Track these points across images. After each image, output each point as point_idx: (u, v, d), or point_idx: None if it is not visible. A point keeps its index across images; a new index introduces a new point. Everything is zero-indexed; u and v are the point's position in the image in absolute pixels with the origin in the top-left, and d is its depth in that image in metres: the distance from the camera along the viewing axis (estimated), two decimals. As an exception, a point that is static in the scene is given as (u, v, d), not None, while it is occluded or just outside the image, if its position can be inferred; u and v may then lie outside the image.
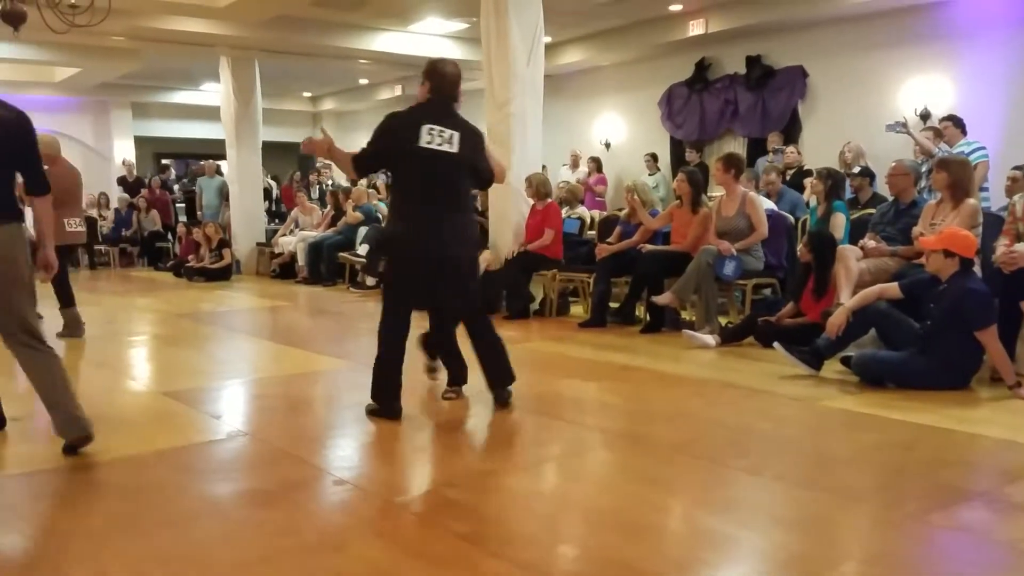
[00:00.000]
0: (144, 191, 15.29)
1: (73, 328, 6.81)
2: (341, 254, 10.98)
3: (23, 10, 7.25)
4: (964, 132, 7.73)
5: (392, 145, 4.09)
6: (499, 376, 4.34)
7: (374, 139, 4.13)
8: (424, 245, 4.06)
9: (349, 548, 2.65)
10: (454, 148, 4.07)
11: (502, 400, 4.31)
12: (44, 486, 3.27)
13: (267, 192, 14.41)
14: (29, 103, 18.12)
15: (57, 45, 11.69)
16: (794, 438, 3.91)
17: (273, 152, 17.11)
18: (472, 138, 4.20)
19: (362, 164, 4.26)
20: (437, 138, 4.03)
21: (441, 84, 4.14)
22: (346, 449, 3.85)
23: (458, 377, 4.57)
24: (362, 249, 10.58)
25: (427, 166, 4.04)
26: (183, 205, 15.57)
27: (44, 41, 11.31)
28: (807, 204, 7.88)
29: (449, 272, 4.15)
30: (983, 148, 7.57)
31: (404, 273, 4.15)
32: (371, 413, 4.17)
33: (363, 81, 16.37)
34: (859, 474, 3.32)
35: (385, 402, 4.14)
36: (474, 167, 4.24)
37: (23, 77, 14.69)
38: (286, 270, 11.97)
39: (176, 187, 16.01)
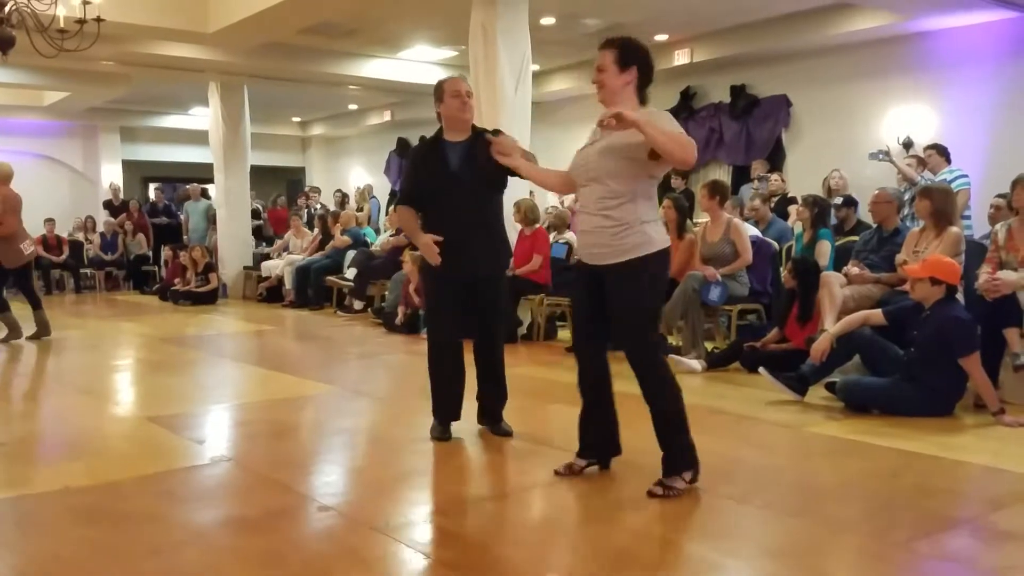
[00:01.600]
0: (123, 215, 15.18)
1: (42, 329, 7.79)
2: (329, 278, 10.97)
3: (12, 34, 7.24)
4: (948, 160, 7.83)
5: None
6: (498, 408, 4.33)
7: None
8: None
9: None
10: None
11: (505, 432, 4.29)
12: (26, 512, 3.23)
13: (255, 213, 14.39)
14: (17, 127, 18.09)
15: (46, 69, 11.68)
16: (781, 466, 3.91)
17: (262, 176, 17.12)
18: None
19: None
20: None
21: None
22: (331, 475, 3.83)
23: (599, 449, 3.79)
24: (350, 273, 10.57)
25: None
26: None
27: (33, 65, 11.29)
28: (792, 231, 7.93)
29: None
30: (965, 176, 7.66)
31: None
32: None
33: (352, 107, 16.43)
34: (846, 502, 3.32)
35: (440, 418, 4.26)
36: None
37: (11, 101, 14.67)
38: (273, 294, 11.93)
39: (161, 208, 15.84)
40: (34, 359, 6.91)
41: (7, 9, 7.20)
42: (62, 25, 7.35)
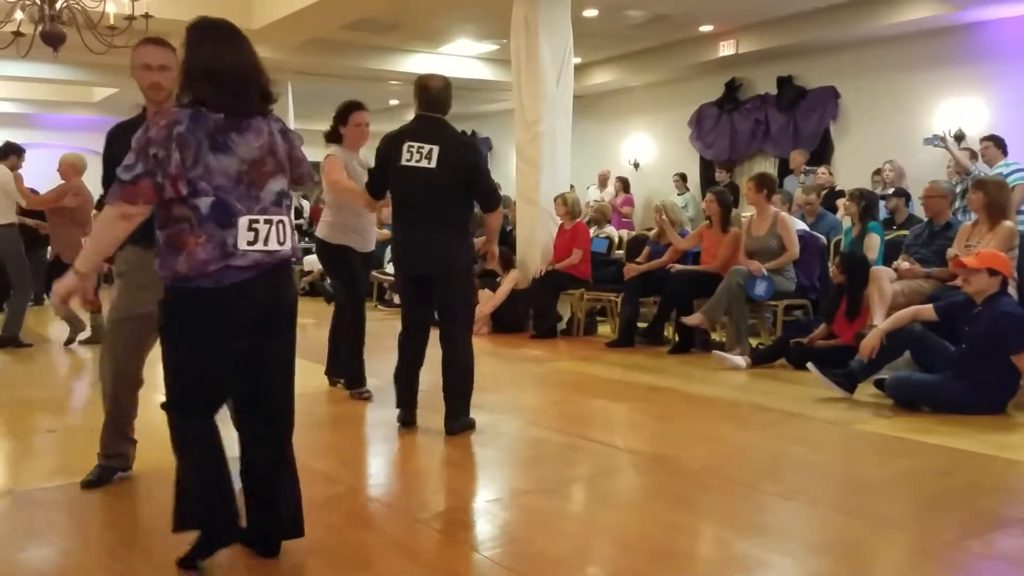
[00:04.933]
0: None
1: (93, 335, 7.15)
2: (371, 272, 11.02)
3: (62, 31, 7.40)
4: (1005, 152, 7.63)
5: (383, 165, 4.25)
6: (454, 407, 4.20)
7: (374, 168, 4.41)
8: (405, 262, 4.27)
9: (375, 566, 2.64)
10: (432, 164, 4.07)
11: (453, 429, 4.15)
12: (77, 498, 3.29)
13: (298, 212, 14.54)
14: (68, 123, 18.46)
15: (95, 65, 11.88)
16: (829, 463, 3.85)
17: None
18: (459, 150, 4.15)
19: (372, 190, 4.47)
20: (416, 155, 4.09)
21: (424, 97, 4.20)
22: (372, 466, 3.85)
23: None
24: (390, 267, 10.62)
25: (404, 183, 4.15)
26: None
27: (83, 62, 11.50)
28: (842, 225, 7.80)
29: (438, 289, 4.19)
30: (1022, 170, 7.46)
31: (403, 289, 4.40)
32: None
33: (393, 102, 16.51)
34: (895, 500, 3.25)
35: (399, 410, 4.33)
36: (464, 182, 4.13)
37: (62, 97, 14.98)
38: (315, 287, 12.03)
39: None
40: (84, 349, 7.05)
41: (58, 6, 7.35)
42: (112, 22, 7.49)
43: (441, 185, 4.09)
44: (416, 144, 4.10)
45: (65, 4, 7.35)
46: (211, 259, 2.34)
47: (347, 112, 5.01)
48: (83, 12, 7.38)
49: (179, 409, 2.50)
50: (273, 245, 2.45)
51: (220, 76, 2.43)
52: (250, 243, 2.39)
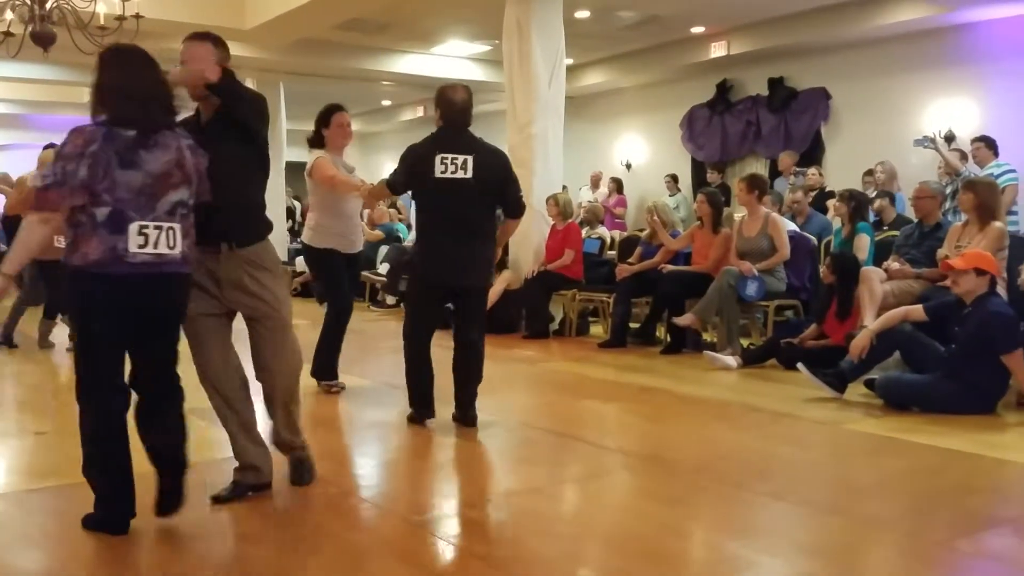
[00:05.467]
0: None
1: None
2: (362, 273, 11.01)
3: (52, 31, 7.37)
4: (996, 154, 7.65)
5: (412, 178, 4.20)
6: (469, 397, 4.30)
7: (399, 171, 4.27)
8: (438, 274, 4.18)
9: (369, 567, 2.64)
10: (468, 174, 4.07)
11: (470, 420, 4.26)
12: (66, 501, 3.28)
13: (290, 212, 14.51)
14: (58, 123, 18.44)
15: (86, 66, 11.82)
16: (819, 463, 3.86)
17: (298, 172, 17.20)
18: (491, 158, 4.19)
19: (395, 189, 4.46)
20: (451, 166, 4.06)
21: (449, 112, 4.16)
22: (366, 467, 3.85)
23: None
24: (383, 268, 10.61)
25: (443, 196, 4.10)
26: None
27: (73, 62, 11.45)
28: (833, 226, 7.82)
29: (464, 299, 4.25)
30: (1013, 171, 7.49)
31: (422, 298, 4.31)
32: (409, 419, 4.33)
33: (386, 102, 16.50)
34: (885, 500, 3.26)
35: (415, 408, 4.31)
36: (497, 190, 4.21)
37: (52, 97, 14.92)
38: (307, 288, 12.00)
39: None
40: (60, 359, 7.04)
41: (48, 6, 7.32)
42: (102, 22, 7.47)
43: (477, 195, 4.12)
44: (449, 155, 4.06)
45: (55, 4, 7.32)
46: (102, 260, 2.63)
47: (328, 114, 5.05)
48: (73, 12, 7.36)
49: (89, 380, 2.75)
50: (163, 248, 2.71)
51: (130, 95, 2.71)
52: (140, 247, 2.66)
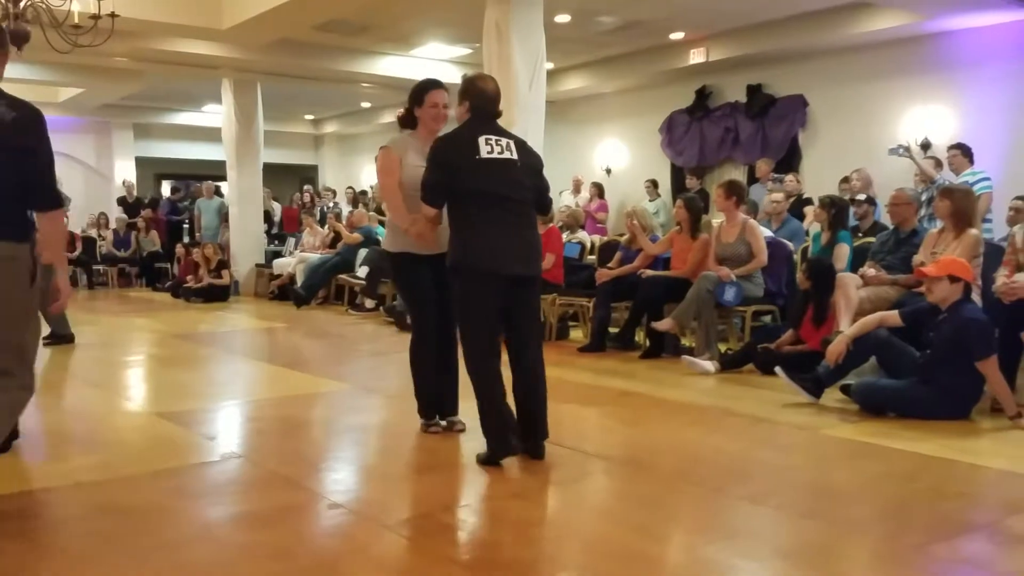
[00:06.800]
0: (148, 210, 15.33)
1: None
2: (340, 276, 10.96)
3: (26, 29, 7.26)
4: (971, 161, 7.73)
5: (449, 169, 3.71)
6: (540, 427, 3.88)
7: (434, 167, 3.75)
8: (504, 261, 3.69)
9: (342, 573, 2.61)
10: (514, 155, 3.75)
11: (541, 453, 3.85)
12: (37, 505, 3.22)
13: (267, 214, 14.42)
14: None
15: (60, 65, 11.73)
16: (796, 467, 3.87)
17: (275, 174, 17.14)
18: (527, 146, 3.90)
19: (434, 196, 3.78)
20: (496, 146, 3.72)
21: (481, 102, 3.83)
22: (341, 472, 3.81)
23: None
24: (361, 271, 10.56)
25: (491, 177, 3.70)
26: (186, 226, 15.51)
27: (47, 61, 11.35)
28: (806, 232, 7.87)
29: (519, 295, 3.79)
30: (988, 179, 7.57)
31: (478, 301, 3.74)
32: (484, 462, 3.75)
33: (365, 104, 16.44)
34: (861, 504, 3.28)
35: (500, 447, 3.76)
36: (537, 178, 3.89)
37: (26, 96, 14.39)
38: (285, 291, 11.93)
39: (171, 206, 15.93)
40: (47, 354, 6.93)
41: (22, 4, 7.22)
42: (76, 21, 7.38)
43: (524, 178, 3.78)
44: (493, 136, 3.74)
45: (29, 2, 7.22)
46: None
47: (422, 92, 4.18)
48: (48, 10, 7.26)
49: None
50: None
51: None
52: None
